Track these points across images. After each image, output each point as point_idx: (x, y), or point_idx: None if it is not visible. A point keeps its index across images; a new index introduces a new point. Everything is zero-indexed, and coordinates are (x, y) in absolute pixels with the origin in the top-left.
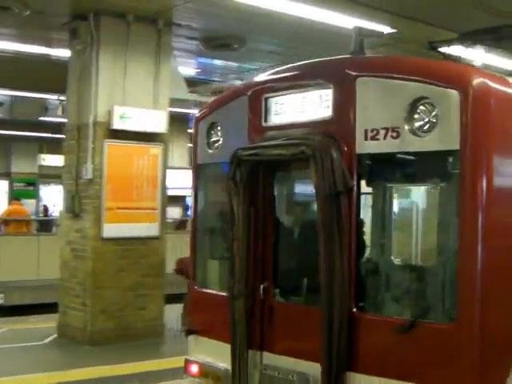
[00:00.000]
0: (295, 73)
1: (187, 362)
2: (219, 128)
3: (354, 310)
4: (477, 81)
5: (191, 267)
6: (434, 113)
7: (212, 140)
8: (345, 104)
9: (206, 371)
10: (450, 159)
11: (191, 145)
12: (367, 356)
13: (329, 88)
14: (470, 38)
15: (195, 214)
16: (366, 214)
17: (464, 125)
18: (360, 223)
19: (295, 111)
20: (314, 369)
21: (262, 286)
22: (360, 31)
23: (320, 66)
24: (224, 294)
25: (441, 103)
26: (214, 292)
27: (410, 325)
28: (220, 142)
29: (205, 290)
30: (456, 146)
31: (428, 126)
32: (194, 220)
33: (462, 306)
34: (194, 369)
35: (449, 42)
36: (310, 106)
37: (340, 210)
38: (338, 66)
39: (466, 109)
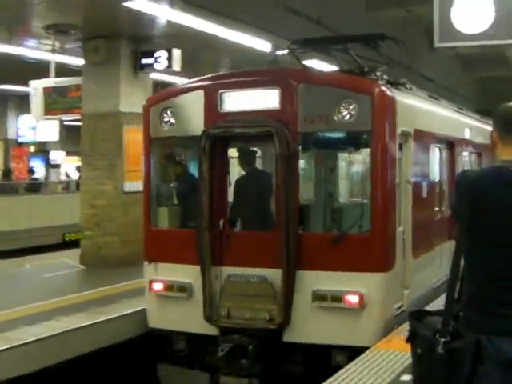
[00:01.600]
0: (247, 76)
1: (152, 281)
2: (172, 112)
3: (300, 231)
4: (379, 89)
5: (146, 215)
6: (352, 107)
7: (164, 120)
8: (289, 100)
9: (170, 286)
10: (365, 136)
11: None
12: (311, 258)
13: (277, 89)
14: (300, 44)
15: (148, 174)
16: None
17: (373, 115)
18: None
19: (247, 103)
20: (269, 272)
21: (220, 222)
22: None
23: (270, 73)
24: (176, 229)
25: (358, 102)
26: (168, 229)
27: (341, 236)
28: (173, 122)
29: (160, 229)
30: (369, 128)
31: (349, 115)
32: (146, 179)
33: (373, 224)
34: (159, 286)
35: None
36: (262, 100)
37: (292, 166)
38: (284, 75)
39: (374, 106)
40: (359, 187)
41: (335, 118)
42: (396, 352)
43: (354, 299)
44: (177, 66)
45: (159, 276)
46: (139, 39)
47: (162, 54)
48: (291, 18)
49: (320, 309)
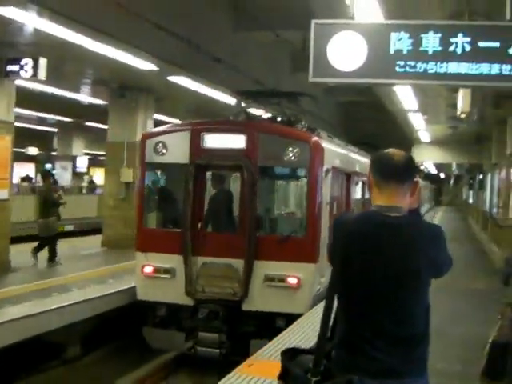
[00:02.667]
0: (223, 124)
1: (143, 266)
2: (165, 145)
3: (257, 234)
4: (314, 139)
5: (139, 218)
6: (298, 151)
7: (157, 150)
8: (252, 143)
9: (158, 269)
10: (304, 170)
11: None
12: (265, 252)
13: (244, 134)
14: (244, 96)
15: (141, 190)
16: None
17: (311, 157)
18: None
19: (221, 143)
20: (233, 261)
21: (199, 224)
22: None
23: (239, 124)
24: (161, 229)
25: (301, 148)
26: (158, 228)
27: (287, 238)
28: (164, 152)
29: (151, 228)
30: (307, 165)
31: (293, 157)
32: (140, 193)
33: (308, 230)
34: (149, 269)
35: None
36: (232, 141)
37: (255, 190)
38: (249, 126)
39: (311, 151)
40: (299, 205)
41: (284, 158)
42: (256, 378)
43: (293, 281)
44: (42, 75)
45: (150, 262)
46: (5, 45)
47: (28, 62)
48: (163, 36)
49: (269, 287)
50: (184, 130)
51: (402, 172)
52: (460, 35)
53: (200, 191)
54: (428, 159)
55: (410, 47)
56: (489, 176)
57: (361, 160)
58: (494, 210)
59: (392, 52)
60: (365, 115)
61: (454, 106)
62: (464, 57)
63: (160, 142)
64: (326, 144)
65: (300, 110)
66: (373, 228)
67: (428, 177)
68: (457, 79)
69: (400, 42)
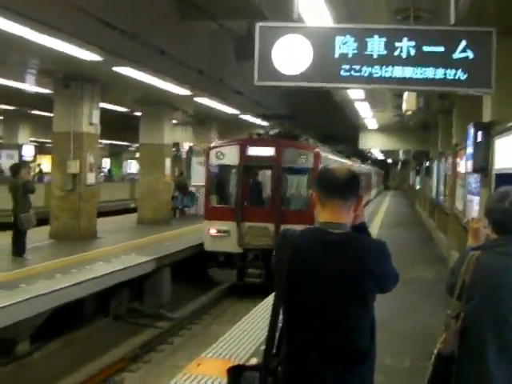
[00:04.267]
0: (260, 141)
1: (209, 229)
2: (222, 152)
3: (282, 208)
4: (316, 150)
5: (206, 199)
6: (306, 157)
7: (217, 156)
8: (277, 153)
9: (219, 230)
10: (311, 170)
11: None
12: (286, 219)
13: (274, 147)
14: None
15: (208, 182)
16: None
17: (314, 161)
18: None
19: (259, 152)
20: (267, 225)
21: (245, 203)
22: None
23: (270, 140)
24: (221, 205)
25: (308, 156)
26: (218, 205)
27: (300, 210)
28: (222, 157)
29: (214, 205)
30: (311, 166)
31: (303, 161)
32: (207, 184)
33: (309, 206)
34: (213, 231)
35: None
36: (267, 151)
37: (280, 180)
38: (276, 142)
39: (314, 158)
40: (307, 190)
41: (298, 162)
42: (206, 377)
43: None
44: None
45: (214, 226)
46: None
47: None
48: (106, 26)
49: None
50: (235, 144)
51: (345, 188)
52: (405, 39)
53: (246, 181)
54: (375, 146)
55: (355, 51)
56: (435, 163)
57: (343, 161)
58: (441, 198)
59: (337, 56)
60: (312, 105)
61: (400, 95)
62: (409, 61)
63: (219, 151)
64: (322, 152)
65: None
66: (317, 245)
67: (375, 162)
68: (402, 83)
69: (345, 45)
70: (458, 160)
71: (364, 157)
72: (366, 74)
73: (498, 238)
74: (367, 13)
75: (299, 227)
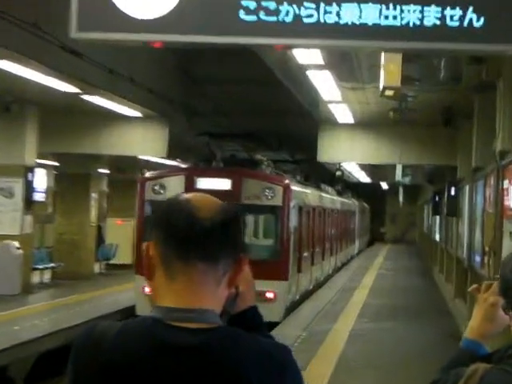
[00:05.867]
0: (211, 170)
1: (143, 287)
2: (161, 185)
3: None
4: (286, 182)
5: (138, 247)
6: (272, 192)
7: (155, 190)
8: (235, 187)
9: None
10: (279, 208)
11: None
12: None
13: (230, 178)
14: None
15: (141, 221)
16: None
17: (283, 197)
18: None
19: (213, 185)
20: None
21: None
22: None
23: (225, 170)
24: None
25: (275, 190)
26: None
27: (265, 262)
28: (162, 192)
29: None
30: (280, 203)
31: (269, 197)
32: (140, 223)
33: (280, 255)
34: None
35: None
36: (222, 184)
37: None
38: (233, 171)
39: (284, 192)
40: (275, 235)
41: (262, 198)
42: None
43: (270, 295)
44: None
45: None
46: None
47: None
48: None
49: None
50: (179, 174)
51: (214, 240)
52: None
53: None
54: (349, 157)
55: None
56: (466, 190)
57: (322, 195)
58: (477, 259)
59: None
60: (220, 72)
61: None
62: None
63: (157, 183)
64: (292, 185)
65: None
66: (148, 355)
67: (352, 189)
68: (361, 36)
69: None
70: (506, 183)
71: (329, 179)
72: (288, 19)
73: None
74: None
75: (266, 282)
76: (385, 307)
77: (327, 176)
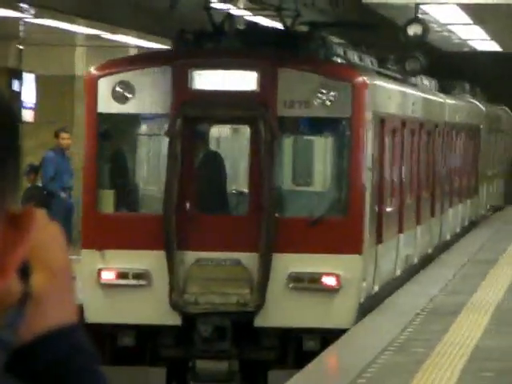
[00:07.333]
0: (221, 52)
1: (100, 270)
2: (129, 85)
3: (277, 215)
4: (358, 75)
5: (87, 199)
6: (335, 94)
7: (117, 94)
8: (265, 86)
9: (124, 273)
10: (344, 122)
11: None
12: (288, 241)
13: (256, 70)
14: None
15: (92, 156)
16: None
17: (354, 103)
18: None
19: (224, 83)
20: (242, 255)
21: (186, 205)
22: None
23: (247, 52)
24: (126, 212)
25: (341, 90)
26: (120, 213)
27: (320, 219)
28: (129, 97)
29: (108, 213)
30: (348, 114)
31: (329, 103)
32: (90, 161)
33: (351, 207)
34: (109, 274)
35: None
36: (240, 81)
37: (274, 151)
38: (263, 55)
39: (354, 93)
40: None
41: (315, 104)
42: None
43: (330, 281)
44: None
45: (107, 264)
46: None
47: None
48: None
49: (295, 291)
50: (162, 65)
51: None
52: None
53: (188, 156)
54: None
55: None
56: None
57: (433, 100)
58: None
59: None
60: None
61: None
62: None
63: (122, 81)
64: (374, 80)
65: None
66: None
67: (468, 77)
68: None
69: None
70: None
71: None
72: None
73: None
74: None
75: (323, 258)
76: None
77: (391, 41)
